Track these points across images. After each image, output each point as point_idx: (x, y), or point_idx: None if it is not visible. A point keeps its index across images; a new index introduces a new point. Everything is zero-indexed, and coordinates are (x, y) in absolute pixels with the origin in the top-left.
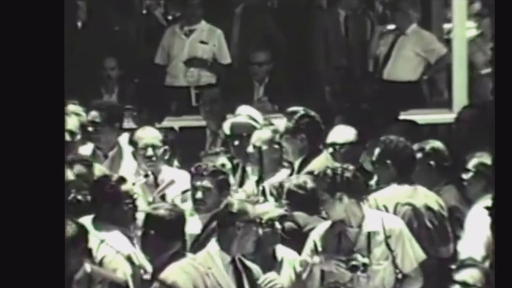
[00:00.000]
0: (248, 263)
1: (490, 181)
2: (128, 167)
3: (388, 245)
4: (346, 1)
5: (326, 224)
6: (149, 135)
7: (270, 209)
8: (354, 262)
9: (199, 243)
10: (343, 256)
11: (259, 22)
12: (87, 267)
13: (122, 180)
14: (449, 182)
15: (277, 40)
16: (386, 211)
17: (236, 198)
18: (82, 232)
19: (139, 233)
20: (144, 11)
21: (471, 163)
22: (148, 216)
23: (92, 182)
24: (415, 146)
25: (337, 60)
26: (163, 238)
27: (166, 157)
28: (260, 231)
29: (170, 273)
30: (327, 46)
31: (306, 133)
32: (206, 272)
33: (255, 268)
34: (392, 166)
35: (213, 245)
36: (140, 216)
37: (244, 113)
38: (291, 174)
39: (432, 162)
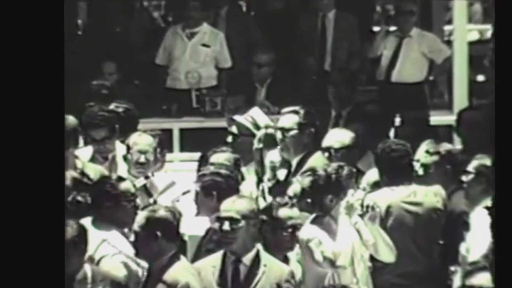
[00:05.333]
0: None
1: (490, 183)
2: (125, 169)
3: None
4: (321, 2)
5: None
6: (144, 141)
7: (294, 215)
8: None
9: (201, 245)
10: None
11: (241, 25)
12: (88, 269)
13: (121, 179)
14: (459, 187)
15: (260, 43)
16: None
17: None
18: (83, 232)
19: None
20: (144, 13)
21: (472, 165)
22: (149, 218)
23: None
24: (430, 149)
25: (312, 60)
26: (165, 239)
27: (158, 162)
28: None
29: (179, 274)
30: (310, 48)
31: (315, 127)
32: (198, 272)
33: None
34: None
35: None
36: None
37: (250, 115)
38: (288, 174)
39: (448, 166)
